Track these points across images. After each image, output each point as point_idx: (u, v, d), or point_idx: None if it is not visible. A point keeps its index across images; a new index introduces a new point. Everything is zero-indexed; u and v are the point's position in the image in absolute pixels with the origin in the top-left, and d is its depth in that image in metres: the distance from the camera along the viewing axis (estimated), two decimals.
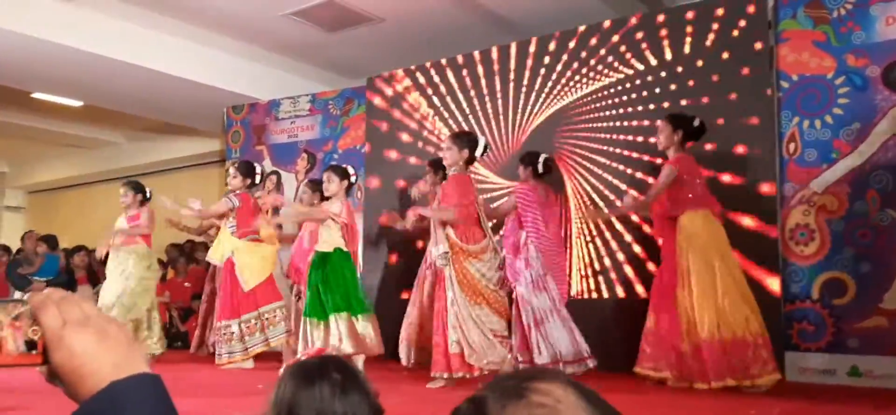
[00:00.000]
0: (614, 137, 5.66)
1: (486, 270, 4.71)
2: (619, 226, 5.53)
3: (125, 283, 6.08)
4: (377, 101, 7.06)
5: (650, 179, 5.26)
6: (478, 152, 4.83)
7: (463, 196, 4.71)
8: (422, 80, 6.76)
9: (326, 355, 1.41)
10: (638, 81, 5.57)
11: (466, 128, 6.18)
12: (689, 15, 5.42)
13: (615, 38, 5.69)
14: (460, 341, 4.54)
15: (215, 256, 5.95)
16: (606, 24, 5.78)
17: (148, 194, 6.43)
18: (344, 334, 5.06)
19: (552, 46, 6.01)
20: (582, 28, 5.88)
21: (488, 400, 0.65)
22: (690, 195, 4.40)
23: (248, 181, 6.05)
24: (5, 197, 13.55)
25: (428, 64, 6.74)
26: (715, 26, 5.24)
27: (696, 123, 4.55)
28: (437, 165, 5.57)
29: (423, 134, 6.71)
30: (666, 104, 5.39)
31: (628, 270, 5.46)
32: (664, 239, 4.59)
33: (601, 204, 5.60)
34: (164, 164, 10.81)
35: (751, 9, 5.08)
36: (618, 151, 5.63)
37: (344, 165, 5.65)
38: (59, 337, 0.68)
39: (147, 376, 0.68)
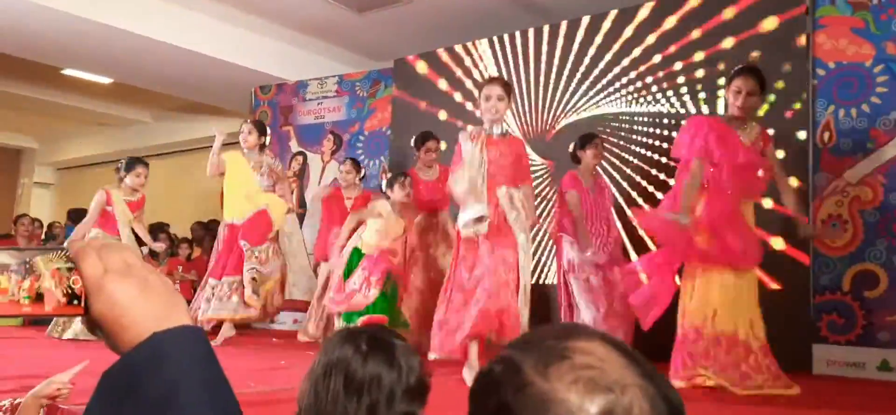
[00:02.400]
0: (645, 125, 5.60)
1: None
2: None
3: None
4: (404, 83, 7.05)
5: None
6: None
7: None
8: (450, 63, 6.73)
9: (368, 325, 1.41)
10: (674, 65, 5.50)
11: None
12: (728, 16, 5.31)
13: (648, 22, 5.63)
14: None
15: (239, 214, 5.85)
16: (641, 7, 5.72)
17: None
18: None
19: (584, 30, 5.95)
20: (615, 12, 5.82)
21: (525, 363, 0.61)
22: None
23: (263, 140, 6.00)
24: (35, 173, 13.76)
25: (456, 47, 6.71)
26: (752, 12, 5.15)
27: None
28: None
29: (449, 117, 6.68)
30: (698, 87, 5.33)
31: None
32: None
33: (634, 194, 5.55)
34: (190, 143, 10.90)
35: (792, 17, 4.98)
36: (649, 140, 5.57)
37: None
38: (100, 286, 0.66)
39: (189, 328, 0.66)
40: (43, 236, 9.09)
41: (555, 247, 5.28)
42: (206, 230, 9.15)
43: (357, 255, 5.28)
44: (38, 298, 0.71)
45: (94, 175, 13.14)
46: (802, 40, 4.94)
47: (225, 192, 5.98)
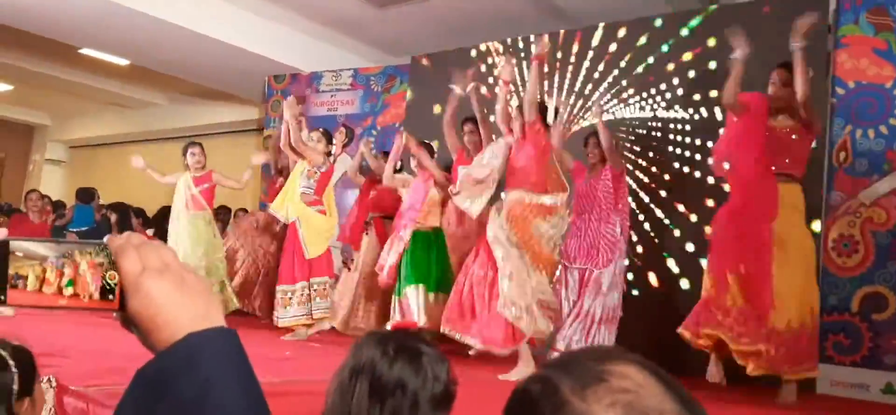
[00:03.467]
0: (661, 133, 5.58)
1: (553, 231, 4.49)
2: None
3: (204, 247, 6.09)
4: (419, 79, 7.05)
5: (697, 173, 5.19)
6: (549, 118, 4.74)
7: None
8: (466, 62, 6.72)
9: (398, 329, 1.41)
10: (690, 75, 5.48)
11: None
12: (747, 12, 5.30)
13: (666, 32, 5.62)
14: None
15: (282, 210, 5.79)
16: (659, 18, 5.71)
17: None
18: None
19: (601, 37, 5.94)
20: (633, 20, 5.82)
21: (563, 383, 0.60)
22: None
23: (329, 148, 5.93)
24: (47, 150, 13.83)
25: (473, 46, 6.70)
26: (771, 27, 5.12)
27: None
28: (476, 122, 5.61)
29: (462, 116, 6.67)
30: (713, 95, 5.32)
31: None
32: None
33: (646, 198, 5.54)
34: (203, 128, 10.93)
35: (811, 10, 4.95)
36: (665, 147, 5.55)
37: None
38: (137, 283, 0.67)
39: (224, 330, 0.67)
40: (52, 213, 9.12)
41: None
42: (215, 215, 9.16)
43: (418, 236, 5.24)
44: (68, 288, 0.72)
45: (105, 154, 13.20)
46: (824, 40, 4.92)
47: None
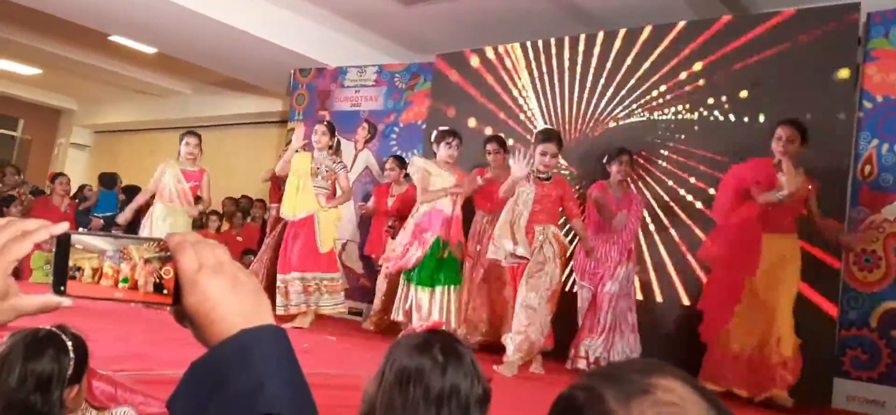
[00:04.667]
0: (684, 145, 5.57)
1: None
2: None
3: None
4: (443, 78, 7.07)
5: (711, 191, 5.18)
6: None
7: None
8: (491, 61, 6.74)
9: (434, 331, 1.41)
10: (713, 85, 5.46)
11: (532, 113, 6.19)
12: (774, 22, 5.27)
13: (691, 38, 5.59)
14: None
15: (290, 212, 5.74)
16: (681, 24, 5.69)
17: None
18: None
19: (625, 41, 5.93)
20: (654, 26, 5.80)
21: (608, 393, 0.62)
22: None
23: (333, 141, 5.92)
24: (72, 134, 14.00)
25: (498, 46, 6.72)
26: (800, 38, 5.09)
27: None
28: (501, 143, 5.65)
29: (486, 116, 6.70)
30: (739, 110, 5.29)
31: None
32: None
33: (667, 205, 5.53)
34: (226, 119, 11.03)
35: (841, 23, 4.93)
36: (684, 160, 5.54)
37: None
38: (194, 280, 0.70)
39: (274, 328, 0.69)
40: (73, 197, 9.24)
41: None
42: (237, 206, 9.27)
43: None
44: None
45: (129, 140, 13.35)
46: (845, 74, 4.89)
47: (286, 187, 5.86)
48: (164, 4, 7.01)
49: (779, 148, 4.29)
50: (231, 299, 0.69)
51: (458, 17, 7.19)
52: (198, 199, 6.35)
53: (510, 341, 4.58)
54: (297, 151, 5.74)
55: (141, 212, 6.56)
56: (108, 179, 9.29)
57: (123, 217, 6.68)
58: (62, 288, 0.74)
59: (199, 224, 8.30)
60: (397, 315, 5.40)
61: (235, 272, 0.72)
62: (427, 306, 5.16)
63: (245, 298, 0.70)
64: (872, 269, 4.68)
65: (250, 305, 0.70)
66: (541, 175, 4.75)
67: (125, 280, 0.74)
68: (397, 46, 8.31)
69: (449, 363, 1.30)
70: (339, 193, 5.84)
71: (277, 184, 6.90)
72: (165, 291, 0.73)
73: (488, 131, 6.41)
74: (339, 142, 6.58)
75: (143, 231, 6.00)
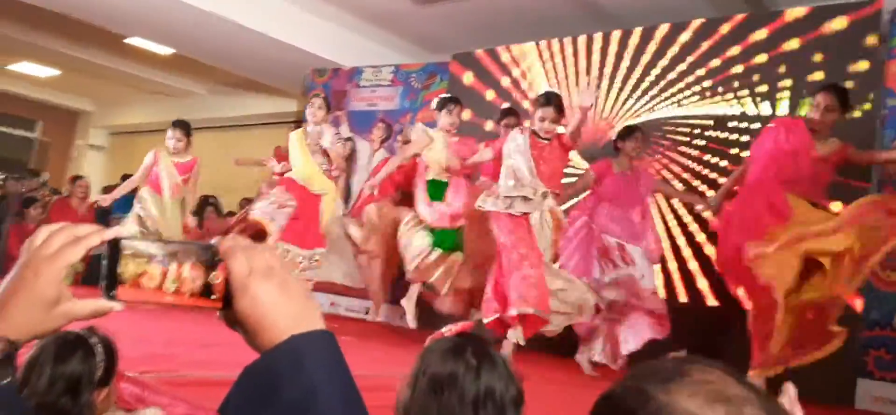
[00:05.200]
0: (701, 141, 5.53)
1: None
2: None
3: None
4: (459, 78, 7.07)
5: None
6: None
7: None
8: (506, 61, 6.73)
9: (465, 335, 1.41)
10: (735, 83, 5.43)
11: None
12: (794, 17, 5.23)
13: (712, 35, 5.56)
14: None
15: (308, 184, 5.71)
16: (699, 22, 5.66)
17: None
18: None
19: (641, 39, 5.91)
20: (672, 24, 5.78)
21: (648, 383, 0.63)
22: None
23: (328, 117, 5.92)
24: (89, 135, 14.11)
25: (514, 46, 6.70)
26: (822, 34, 5.05)
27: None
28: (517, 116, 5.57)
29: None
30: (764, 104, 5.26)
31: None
32: None
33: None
34: (241, 119, 11.07)
35: (861, 20, 4.89)
36: (708, 143, 5.51)
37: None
38: (245, 285, 0.69)
39: (325, 333, 0.69)
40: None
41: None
42: (207, 203, 9.22)
43: (433, 186, 5.26)
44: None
45: (145, 141, 13.38)
46: (874, 40, 4.83)
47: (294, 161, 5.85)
48: (181, 5, 7.05)
49: (817, 116, 4.05)
50: (282, 304, 0.69)
51: (474, 17, 7.18)
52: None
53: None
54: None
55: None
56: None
57: (108, 199, 6.70)
58: (113, 292, 0.74)
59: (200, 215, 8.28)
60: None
61: (285, 276, 0.71)
62: (441, 272, 5.10)
63: (295, 302, 0.70)
64: (895, 268, 4.63)
65: (301, 309, 0.70)
66: (541, 138, 4.55)
67: (173, 284, 0.74)
68: (413, 46, 8.31)
69: (483, 367, 1.29)
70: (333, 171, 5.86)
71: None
72: (214, 296, 0.73)
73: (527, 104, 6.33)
74: (353, 141, 6.59)
75: (132, 216, 6.07)
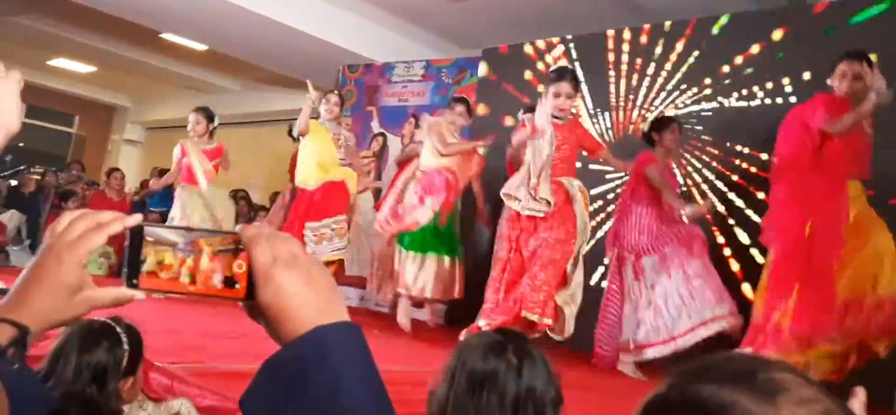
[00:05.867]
0: (734, 140, 5.41)
1: None
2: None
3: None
4: (491, 72, 7.01)
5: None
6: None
7: None
8: (538, 55, 6.66)
9: (505, 331, 1.37)
10: (765, 75, 5.30)
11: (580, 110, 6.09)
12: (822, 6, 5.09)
13: (748, 31, 5.44)
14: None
15: (312, 180, 5.68)
16: (726, 17, 5.54)
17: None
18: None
19: (672, 33, 5.79)
20: (698, 19, 5.66)
21: (739, 398, 0.53)
22: None
23: (339, 113, 5.99)
24: (125, 131, 14.34)
25: (546, 40, 6.63)
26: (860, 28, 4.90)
27: None
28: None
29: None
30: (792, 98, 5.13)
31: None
32: None
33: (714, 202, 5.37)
34: (273, 114, 11.14)
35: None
36: (739, 148, 5.38)
37: None
38: (269, 275, 0.67)
39: (349, 325, 0.67)
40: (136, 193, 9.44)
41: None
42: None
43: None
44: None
45: (179, 137, 13.50)
46: None
47: (299, 157, 5.84)
48: (215, 1, 7.10)
49: (844, 87, 3.80)
50: (306, 294, 0.67)
51: (505, 11, 7.13)
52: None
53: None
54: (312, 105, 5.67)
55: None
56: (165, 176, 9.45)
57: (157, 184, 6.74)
58: (135, 281, 0.72)
59: (248, 218, 8.38)
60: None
61: (310, 266, 0.69)
62: (414, 274, 5.05)
63: (320, 292, 0.67)
64: None
65: (325, 300, 0.67)
66: (557, 118, 4.39)
67: (194, 274, 0.71)
68: (445, 41, 8.29)
69: (523, 366, 1.25)
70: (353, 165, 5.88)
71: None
72: (237, 286, 0.70)
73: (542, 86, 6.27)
74: (385, 137, 6.58)
75: (177, 217, 6.02)
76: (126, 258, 0.72)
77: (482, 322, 4.34)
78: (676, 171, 5.39)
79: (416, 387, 1.88)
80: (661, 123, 4.89)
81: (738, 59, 5.42)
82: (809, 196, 3.89)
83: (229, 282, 0.70)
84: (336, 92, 6.09)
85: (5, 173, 8.33)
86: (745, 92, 5.39)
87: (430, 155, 5.27)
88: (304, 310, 0.66)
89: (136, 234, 0.72)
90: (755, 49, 5.37)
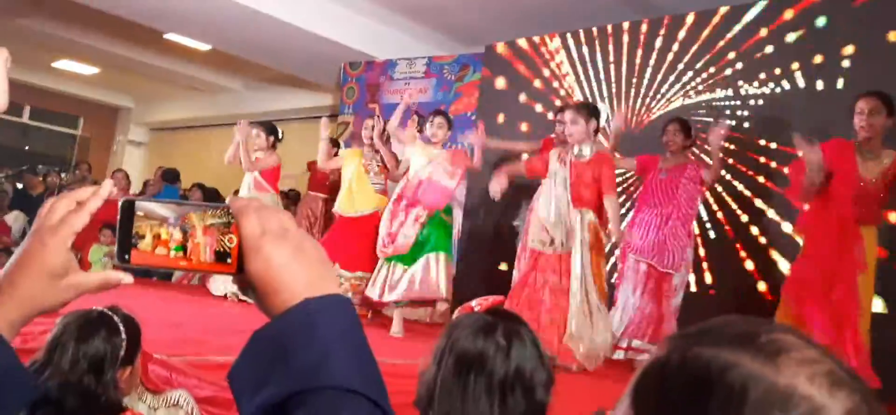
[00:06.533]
0: (748, 135, 5.39)
1: None
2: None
3: None
4: (493, 69, 7.00)
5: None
6: (602, 122, 4.62)
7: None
8: (541, 51, 6.65)
9: (496, 311, 1.35)
10: (777, 70, 5.27)
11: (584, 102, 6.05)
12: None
13: (737, 20, 5.42)
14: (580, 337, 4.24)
15: (352, 209, 5.65)
16: (725, 8, 5.52)
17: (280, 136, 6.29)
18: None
19: (671, 27, 5.78)
20: (698, 12, 5.64)
21: (741, 357, 0.52)
22: None
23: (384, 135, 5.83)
24: (129, 132, 14.38)
25: (548, 36, 6.62)
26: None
27: None
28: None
29: (537, 107, 6.61)
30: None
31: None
32: None
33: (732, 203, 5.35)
34: (276, 114, 11.13)
35: None
36: (753, 141, 5.36)
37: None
38: (258, 246, 0.66)
39: (339, 298, 0.66)
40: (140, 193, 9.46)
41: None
42: (286, 198, 9.35)
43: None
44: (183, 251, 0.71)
45: (183, 137, 13.63)
46: None
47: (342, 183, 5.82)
48: (218, 1, 7.11)
49: (861, 123, 3.75)
50: (295, 267, 0.66)
51: (507, 7, 7.11)
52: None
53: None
54: (337, 144, 5.72)
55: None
56: (170, 175, 9.50)
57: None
58: (127, 256, 0.71)
59: None
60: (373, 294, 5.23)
61: (300, 239, 0.68)
62: (406, 280, 5.04)
63: (310, 265, 0.66)
64: None
65: (315, 273, 0.66)
66: (576, 154, 4.39)
67: (179, 248, 0.71)
68: (447, 38, 8.27)
69: (512, 346, 1.24)
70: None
71: (316, 174, 6.91)
72: (229, 260, 0.69)
73: (550, 115, 6.23)
74: (387, 136, 6.52)
75: None
76: (117, 233, 0.71)
77: (474, 302, 4.29)
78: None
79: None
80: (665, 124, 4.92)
81: (731, 55, 5.39)
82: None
83: (221, 256, 0.70)
84: (373, 115, 6.02)
85: (11, 174, 8.37)
86: (754, 80, 5.37)
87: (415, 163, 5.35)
88: (293, 283, 0.65)
89: (127, 209, 0.71)
90: (749, 42, 5.35)
